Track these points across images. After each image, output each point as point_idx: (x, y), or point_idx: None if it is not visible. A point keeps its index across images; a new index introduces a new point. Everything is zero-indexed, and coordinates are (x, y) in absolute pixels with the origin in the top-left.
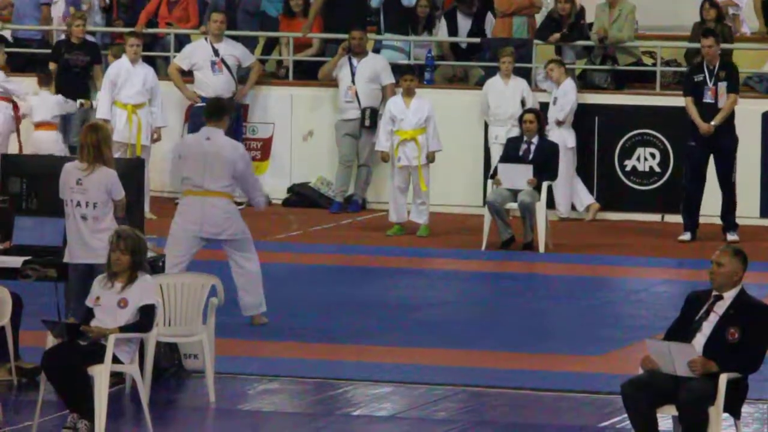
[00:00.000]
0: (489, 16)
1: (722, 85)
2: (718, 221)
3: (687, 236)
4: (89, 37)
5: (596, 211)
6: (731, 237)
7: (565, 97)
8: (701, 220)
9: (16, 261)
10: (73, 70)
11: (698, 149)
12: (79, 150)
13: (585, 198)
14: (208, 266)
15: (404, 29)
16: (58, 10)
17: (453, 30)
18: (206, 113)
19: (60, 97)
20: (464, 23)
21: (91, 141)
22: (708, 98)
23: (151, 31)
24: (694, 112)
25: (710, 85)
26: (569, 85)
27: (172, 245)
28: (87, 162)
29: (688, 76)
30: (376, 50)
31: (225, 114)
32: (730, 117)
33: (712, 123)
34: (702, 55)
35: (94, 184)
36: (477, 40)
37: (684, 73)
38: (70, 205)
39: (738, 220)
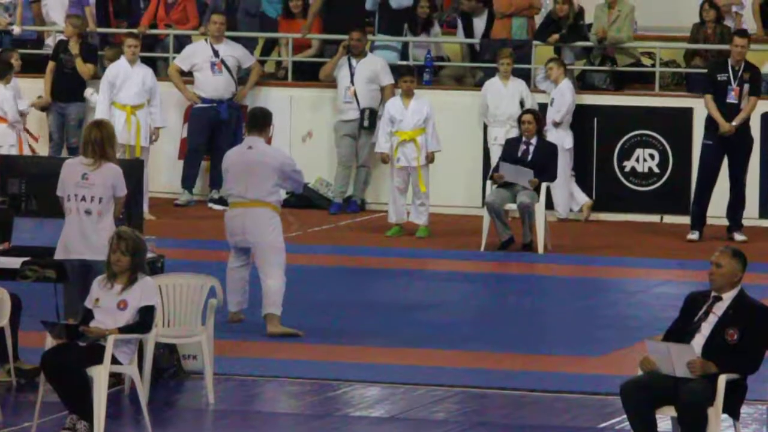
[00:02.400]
0: None
1: (746, 87)
2: (721, 222)
3: (695, 235)
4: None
5: (589, 208)
6: (739, 237)
7: (561, 99)
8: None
9: (15, 262)
10: (64, 71)
11: (714, 148)
12: (82, 146)
13: (579, 197)
14: (207, 267)
15: (396, 30)
16: (51, 8)
17: (469, 30)
18: (248, 124)
19: (11, 91)
20: (479, 24)
21: (95, 137)
22: (731, 98)
23: (152, 32)
24: (715, 111)
25: (734, 85)
26: (566, 86)
27: (231, 254)
28: (92, 158)
29: (709, 74)
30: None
31: (267, 124)
32: (748, 119)
33: (733, 123)
34: (730, 54)
35: (100, 179)
36: (476, 41)
37: (705, 71)
38: (73, 200)
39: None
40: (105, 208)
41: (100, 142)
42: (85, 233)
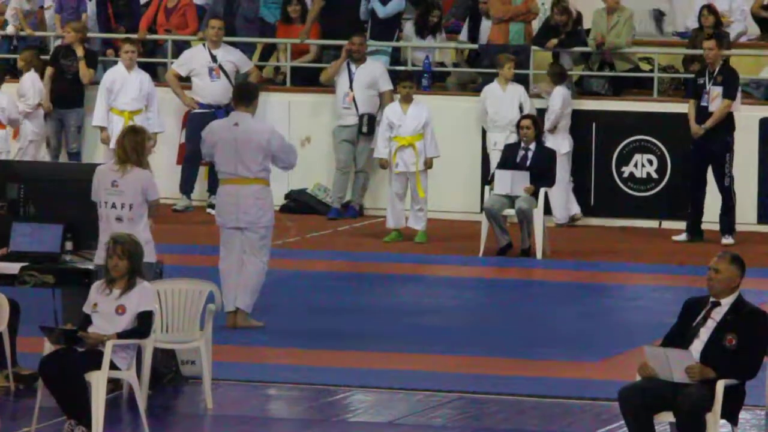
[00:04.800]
0: None
1: (716, 89)
2: (713, 227)
3: (682, 237)
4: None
5: (576, 221)
6: (725, 240)
7: (550, 105)
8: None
9: (13, 267)
10: (66, 76)
11: (694, 152)
12: (115, 152)
13: (572, 207)
14: (205, 272)
15: (387, 36)
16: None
17: (475, 36)
18: (235, 97)
19: (11, 97)
20: (487, 28)
21: (126, 143)
22: (704, 101)
23: (150, 37)
24: (691, 115)
25: (708, 88)
26: (557, 92)
27: (221, 248)
28: (121, 164)
29: (694, 79)
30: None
31: (254, 98)
32: (727, 122)
33: (703, 126)
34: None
35: (129, 185)
36: (474, 46)
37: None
38: (104, 207)
39: (736, 226)
40: (136, 214)
41: (131, 148)
42: None
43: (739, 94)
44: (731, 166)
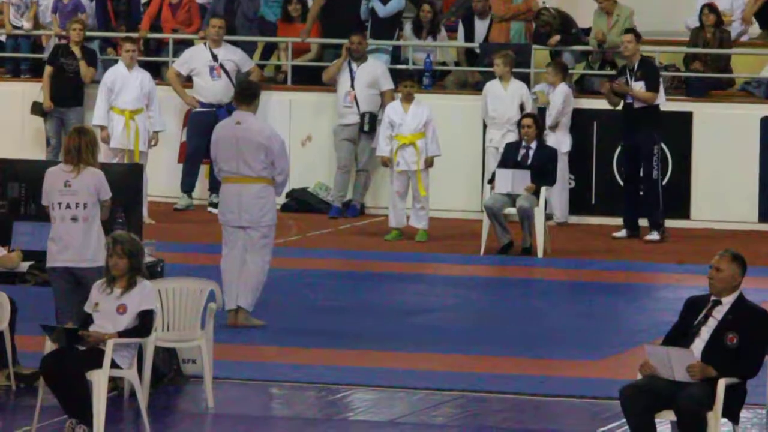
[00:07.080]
0: None
1: (637, 85)
2: (714, 226)
3: (622, 233)
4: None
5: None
6: (650, 237)
7: (553, 103)
8: (692, 225)
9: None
10: (66, 75)
11: (624, 150)
12: (64, 153)
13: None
14: (206, 271)
15: (387, 35)
16: (45, 13)
17: (470, 35)
18: (236, 96)
19: None
20: (481, 28)
21: (75, 144)
22: (628, 98)
23: (152, 36)
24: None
25: (630, 85)
26: (560, 89)
27: (223, 246)
28: (73, 164)
29: (617, 77)
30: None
31: (255, 97)
32: (652, 117)
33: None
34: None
35: (83, 184)
36: (475, 45)
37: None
38: (57, 208)
39: (736, 225)
40: (91, 213)
41: (78, 148)
42: (72, 241)
43: (662, 88)
44: (660, 160)
